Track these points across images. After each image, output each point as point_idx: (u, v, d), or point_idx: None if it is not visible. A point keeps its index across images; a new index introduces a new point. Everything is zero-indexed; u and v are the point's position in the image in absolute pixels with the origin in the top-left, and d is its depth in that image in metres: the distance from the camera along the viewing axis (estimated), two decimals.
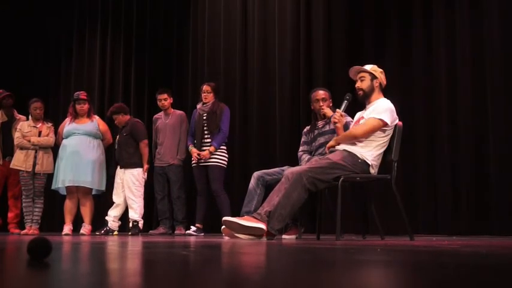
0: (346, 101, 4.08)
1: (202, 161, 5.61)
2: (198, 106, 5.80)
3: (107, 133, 6.17)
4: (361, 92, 4.01)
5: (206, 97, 5.73)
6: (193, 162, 5.73)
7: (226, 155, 5.70)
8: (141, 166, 5.97)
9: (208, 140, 5.64)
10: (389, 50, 5.77)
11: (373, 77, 4.00)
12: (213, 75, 6.87)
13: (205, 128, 5.67)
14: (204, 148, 5.63)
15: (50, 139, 6.18)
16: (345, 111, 4.31)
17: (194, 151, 5.66)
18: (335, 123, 4.05)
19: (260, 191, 4.64)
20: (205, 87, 5.78)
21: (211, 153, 5.57)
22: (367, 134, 3.86)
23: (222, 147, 5.65)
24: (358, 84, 4.02)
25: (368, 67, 4.05)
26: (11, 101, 6.63)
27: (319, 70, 6.15)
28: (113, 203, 5.99)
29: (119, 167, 6.02)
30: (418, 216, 5.32)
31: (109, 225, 5.93)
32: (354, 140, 3.89)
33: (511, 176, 4.92)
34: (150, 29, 7.74)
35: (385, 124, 3.84)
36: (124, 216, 6.08)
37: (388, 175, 3.92)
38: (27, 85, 8.07)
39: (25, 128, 6.18)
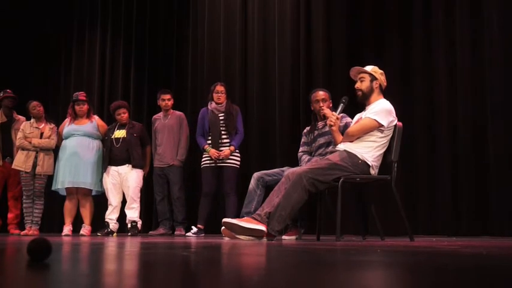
0: (342, 104, 4.09)
1: (220, 161, 5.59)
2: (212, 106, 5.70)
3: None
4: (360, 93, 4.02)
5: (220, 97, 5.67)
6: (206, 162, 5.68)
7: (239, 156, 5.70)
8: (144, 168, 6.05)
9: (226, 140, 5.61)
10: (389, 50, 5.78)
11: (373, 78, 4.00)
12: (213, 75, 6.86)
13: (222, 128, 5.63)
14: (222, 148, 5.60)
15: (51, 141, 6.17)
16: (345, 112, 4.32)
17: (213, 151, 5.58)
18: (330, 125, 4.05)
19: (260, 191, 4.64)
20: (219, 88, 5.70)
21: (231, 152, 5.56)
22: (361, 133, 3.87)
23: None
24: (357, 85, 4.03)
25: (368, 68, 4.05)
26: (11, 102, 6.63)
27: (319, 70, 6.15)
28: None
29: (114, 167, 5.90)
30: (418, 217, 5.33)
31: (111, 227, 5.92)
32: (350, 138, 3.91)
33: (511, 176, 4.92)
34: (150, 29, 7.74)
35: (380, 125, 3.84)
36: (121, 217, 6.06)
37: (388, 176, 3.92)
38: (27, 85, 8.06)
39: (27, 129, 6.18)
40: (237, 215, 4.90)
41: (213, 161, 5.61)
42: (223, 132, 5.63)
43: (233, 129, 5.61)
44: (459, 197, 5.20)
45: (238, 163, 5.67)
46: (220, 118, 5.65)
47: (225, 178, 5.60)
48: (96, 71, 8.02)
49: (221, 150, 5.57)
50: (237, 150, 5.67)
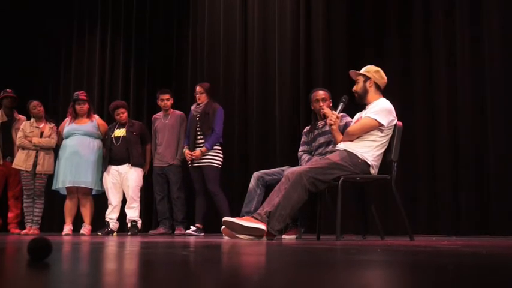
0: (342, 103, 4.11)
1: (196, 161, 5.62)
2: (192, 107, 5.83)
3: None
4: (356, 95, 4.07)
5: (199, 98, 5.76)
6: (189, 162, 5.75)
7: (221, 155, 5.69)
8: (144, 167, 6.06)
9: (201, 141, 5.65)
10: (390, 49, 5.77)
11: (366, 78, 4.03)
12: (213, 75, 6.87)
13: (198, 129, 5.68)
14: (197, 149, 5.63)
15: (52, 140, 6.18)
16: (345, 112, 4.32)
17: (187, 152, 5.68)
18: (330, 125, 4.06)
19: (260, 191, 4.64)
20: (198, 88, 5.80)
21: (203, 153, 5.57)
22: (361, 132, 3.88)
23: (216, 147, 5.64)
24: (354, 88, 4.08)
25: (363, 69, 4.08)
26: (11, 102, 6.63)
27: (319, 70, 6.15)
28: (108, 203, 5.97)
29: (114, 167, 5.91)
30: (418, 216, 5.32)
31: (111, 226, 5.92)
32: (350, 138, 3.91)
33: (511, 176, 4.92)
34: (150, 29, 7.74)
35: (380, 124, 3.85)
36: (121, 216, 6.06)
37: (388, 175, 3.93)
38: (27, 85, 8.06)
39: (27, 128, 6.19)
40: (232, 213, 4.90)
41: (190, 161, 5.69)
42: (198, 133, 5.68)
43: (208, 129, 5.61)
44: (459, 196, 5.20)
45: (219, 162, 5.66)
46: (197, 119, 5.70)
47: (206, 178, 5.62)
48: (96, 70, 8.02)
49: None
50: (217, 149, 5.66)
